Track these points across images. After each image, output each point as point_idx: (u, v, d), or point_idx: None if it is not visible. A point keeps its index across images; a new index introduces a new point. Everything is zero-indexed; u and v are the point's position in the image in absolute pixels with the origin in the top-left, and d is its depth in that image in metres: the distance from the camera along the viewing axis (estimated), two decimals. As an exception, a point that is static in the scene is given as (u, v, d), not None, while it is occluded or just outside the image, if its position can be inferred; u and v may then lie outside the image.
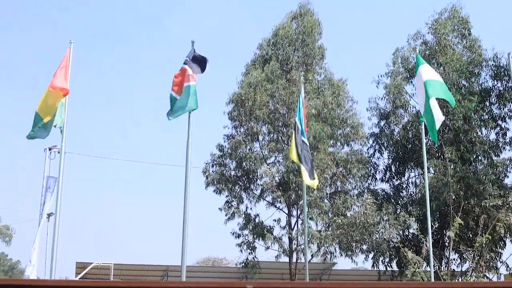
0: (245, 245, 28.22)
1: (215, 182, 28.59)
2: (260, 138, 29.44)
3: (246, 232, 28.30)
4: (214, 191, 28.68)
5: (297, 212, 28.73)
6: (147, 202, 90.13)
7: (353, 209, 27.83)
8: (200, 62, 14.78)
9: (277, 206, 28.88)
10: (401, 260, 27.66)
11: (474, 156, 27.94)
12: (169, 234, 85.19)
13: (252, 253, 28.32)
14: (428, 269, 24.70)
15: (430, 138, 27.70)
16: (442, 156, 27.22)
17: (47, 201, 30.96)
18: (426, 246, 28.53)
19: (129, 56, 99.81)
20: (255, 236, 28.20)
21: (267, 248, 28.04)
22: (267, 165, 28.62)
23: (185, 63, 14.70)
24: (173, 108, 14.44)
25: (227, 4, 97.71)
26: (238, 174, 29.01)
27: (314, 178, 18.46)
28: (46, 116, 13.95)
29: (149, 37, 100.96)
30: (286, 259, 29.01)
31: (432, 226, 26.31)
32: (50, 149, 31.66)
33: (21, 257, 65.02)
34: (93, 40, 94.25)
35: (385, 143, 29.92)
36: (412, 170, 29.99)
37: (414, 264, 22.11)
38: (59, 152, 31.67)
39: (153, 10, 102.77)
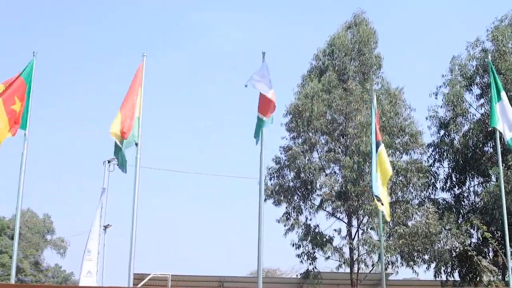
0: (305, 256, 28.10)
1: (274, 194, 28.58)
2: (318, 148, 29.34)
3: (305, 242, 28.15)
4: (273, 203, 28.68)
5: (357, 221, 28.53)
6: (204, 212, 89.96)
7: (414, 218, 27.56)
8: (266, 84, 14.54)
9: (337, 216, 28.73)
10: (464, 269, 27.41)
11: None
12: (224, 244, 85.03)
13: (312, 264, 28.19)
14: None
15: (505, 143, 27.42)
16: (505, 164, 26.82)
17: (99, 212, 31.35)
18: (489, 256, 28.21)
19: (185, 68, 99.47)
20: (314, 246, 28.08)
21: (328, 258, 27.91)
22: (326, 175, 28.51)
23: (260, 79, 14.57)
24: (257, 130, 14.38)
25: (281, 16, 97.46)
26: (297, 185, 28.93)
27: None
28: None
29: (205, 51, 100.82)
30: (344, 269, 28.93)
31: (495, 234, 25.96)
32: (109, 162, 32.06)
33: (74, 268, 65.79)
34: (162, 52, 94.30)
35: (445, 152, 29.66)
36: (473, 179, 29.66)
37: (490, 272, 21.75)
38: (117, 165, 32.18)
39: (202, 24, 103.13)
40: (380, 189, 16.22)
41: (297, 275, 33.09)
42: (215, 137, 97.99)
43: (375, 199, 16.58)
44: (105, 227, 41.64)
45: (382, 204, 16.13)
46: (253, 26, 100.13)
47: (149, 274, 33.88)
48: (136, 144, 14.48)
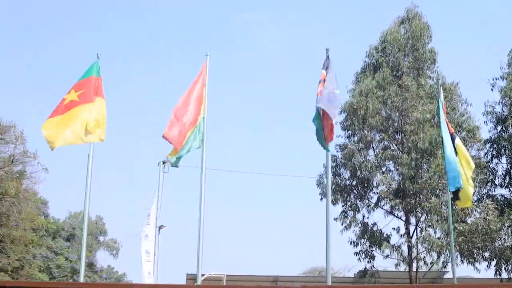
0: (363, 254, 27.90)
1: (332, 193, 28.41)
2: (374, 146, 29.06)
3: (363, 241, 27.96)
4: (331, 202, 28.42)
5: (415, 219, 28.18)
6: (256, 212, 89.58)
7: (474, 215, 27.09)
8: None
9: (395, 214, 28.43)
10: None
11: None
12: (276, 243, 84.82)
13: (370, 262, 27.98)
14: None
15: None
16: None
17: (153, 213, 31.51)
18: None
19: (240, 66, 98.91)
20: (372, 244, 27.88)
21: (387, 256, 27.68)
22: (382, 173, 28.24)
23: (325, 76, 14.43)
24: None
25: (331, 14, 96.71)
26: (353, 183, 28.75)
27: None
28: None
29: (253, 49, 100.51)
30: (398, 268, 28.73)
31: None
32: (164, 163, 32.24)
33: (127, 269, 66.38)
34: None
35: (502, 148, 29.12)
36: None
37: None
38: (172, 165, 32.36)
39: (252, 22, 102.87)
40: (464, 182, 15.70)
41: (354, 274, 32.92)
42: (266, 136, 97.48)
43: (452, 195, 16.12)
44: (159, 228, 42.01)
45: (459, 199, 15.79)
46: (302, 25, 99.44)
47: (204, 274, 33.99)
48: (201, 145, 14.53)
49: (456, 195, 15.77)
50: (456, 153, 15.97)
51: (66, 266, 45.03)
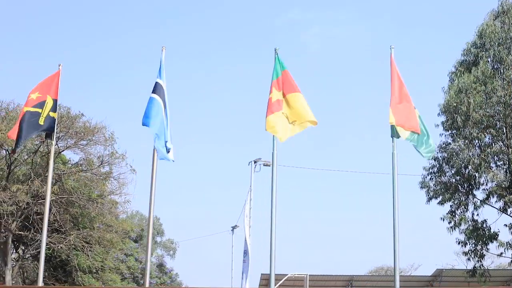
0: (472, 253, 27.41)
1: (438, 194, 28.06)
2: (480, 142, 28.45)
3: (471, 240, 27.54)
4: (438, 203, 28.23)
5: (525, 215, 27.67)
6: (336, 211, 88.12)
7: None
8: None
9: (506, 211, 27.88)
10: None
11: None
12: (345, 241, 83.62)
13: (480, 261, 27.50)
14: None
15: None
16: None
17: (247, 213, 31.06)
18: None
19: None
20: (479, 242, 27.40)
21: (500, 255, 27.25)
22: (491, 169, 27.62)
23: None
24: None
25: (424, 14, 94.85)
26: (459, 182, 28.25)
27: None
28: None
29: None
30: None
31: None
32: (255, 162, 31.79)
33: (180, 270, 65.80)
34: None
35: None
36: None
37: None
38: (264, 165, 31.92)
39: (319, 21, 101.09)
40: None
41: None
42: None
43: None
44: (233, 228, 41.57)
45: None
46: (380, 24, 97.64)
47: (286, 275, 33.65)
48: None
49: None
50: None
51: (137, 267, 44.79)
